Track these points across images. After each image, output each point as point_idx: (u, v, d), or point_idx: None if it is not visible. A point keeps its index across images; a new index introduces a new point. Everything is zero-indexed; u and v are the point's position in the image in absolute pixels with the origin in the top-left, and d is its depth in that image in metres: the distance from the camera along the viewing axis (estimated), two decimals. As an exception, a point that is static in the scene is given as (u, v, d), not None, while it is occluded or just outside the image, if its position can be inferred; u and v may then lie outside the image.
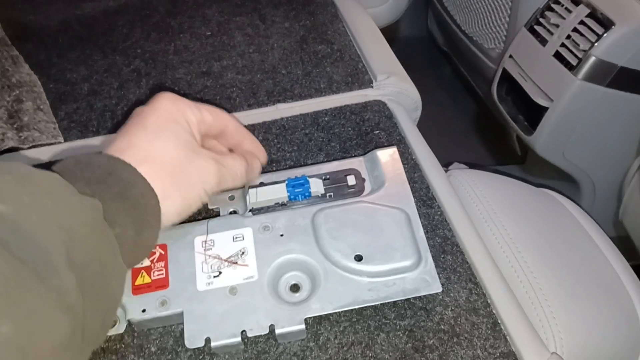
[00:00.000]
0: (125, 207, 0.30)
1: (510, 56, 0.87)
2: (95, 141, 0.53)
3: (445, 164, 1.23)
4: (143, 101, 0.57)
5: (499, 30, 1.00)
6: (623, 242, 0.92)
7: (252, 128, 0.52)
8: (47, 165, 0.49)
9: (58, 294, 0.24)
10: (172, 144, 0.34)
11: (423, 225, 0.43)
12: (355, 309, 0.37)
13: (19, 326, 0.21)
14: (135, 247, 0.31)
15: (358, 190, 0.42)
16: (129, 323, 0.36)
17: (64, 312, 0.24)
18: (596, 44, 0.72)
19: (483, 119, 1.36)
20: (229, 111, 0.56)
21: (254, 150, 0.41)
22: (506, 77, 0.88)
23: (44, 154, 0.51)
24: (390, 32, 1.62)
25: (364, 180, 0.43)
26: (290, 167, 0.48)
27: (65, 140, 0.54)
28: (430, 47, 1.54)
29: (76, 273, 0.25)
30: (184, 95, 0.57)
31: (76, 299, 0.25)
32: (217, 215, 0.42)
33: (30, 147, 0.52)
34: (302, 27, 0.67)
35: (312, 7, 0.71)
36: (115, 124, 0.55)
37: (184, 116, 0.35)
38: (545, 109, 0.79)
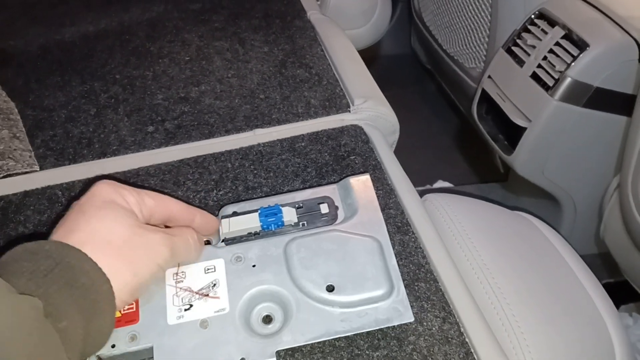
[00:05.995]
0: (74, 297, 0.29)
1: (489, 76, 0.88)
2: (70, 169, 0.53)
3: (429, 181, 1.24)
4: (120, 127, 0.57)
5: (479, 50, 1.02)
6: (605, 259, 0.92)
7: (229, 154, 0.53)
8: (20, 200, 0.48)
9: None
10: (112, 222, 0.33)
11: (398, 252, 0.43)
12: (327, 340, 0.37)
13: None
14: (87, 336, 0.30)
15: (331, 218, 0.42)
16: (99, 359, 0.36)
17: None
18: (572, 65, 0.74)
19: (467, 136, 1.37)
20: (207, 137, 0.56)
21: (206, 224, 0.40)
22: (485, 97, 0.89)
23: (18, 182, 0.51)
24: (375, 50, 1.64)
25: (337, 208, 0.43)
26: (265, 195, 0.48)
27: (41, 169, 0.53)
28: (415, 64, 1.56)
29: None
30: (162, 121, 0.58)
31: None
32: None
33: (4, 177, 0.52)
34: (281, 51, 0.68)
35: (291, 31, 0.71)
36: (91, 151, 0.55)
37: (122, 196, 0.35)
38: (524, 129, 0.80)
